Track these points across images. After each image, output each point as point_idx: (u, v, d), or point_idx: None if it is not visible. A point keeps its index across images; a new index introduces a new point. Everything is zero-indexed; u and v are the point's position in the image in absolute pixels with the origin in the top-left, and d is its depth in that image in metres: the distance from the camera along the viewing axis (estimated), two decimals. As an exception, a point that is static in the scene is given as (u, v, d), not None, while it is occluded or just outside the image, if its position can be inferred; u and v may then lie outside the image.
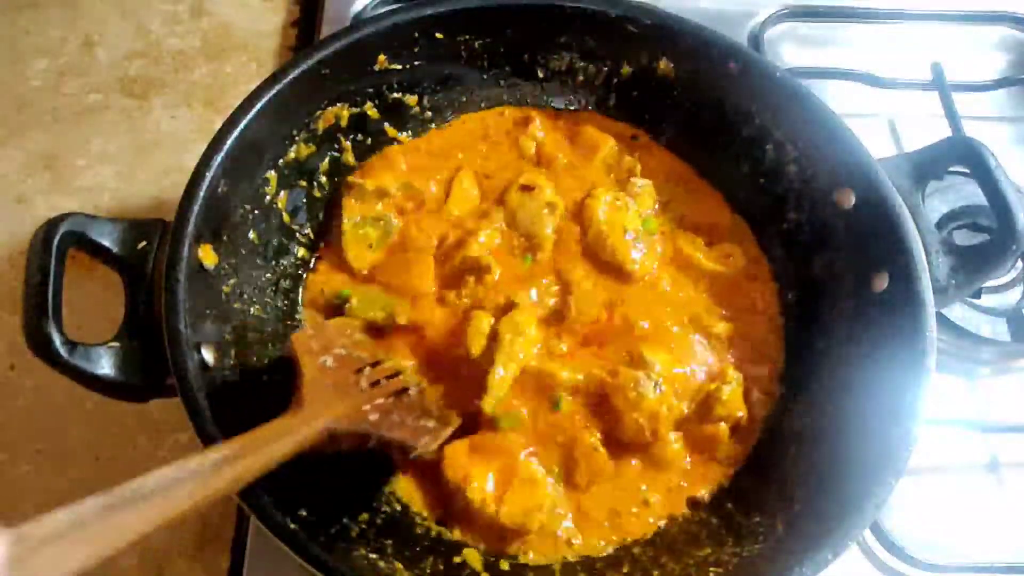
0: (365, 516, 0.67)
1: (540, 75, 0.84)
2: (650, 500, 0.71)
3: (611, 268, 0.77)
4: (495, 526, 0.67)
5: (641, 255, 0.78)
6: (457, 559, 0.67)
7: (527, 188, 0.80)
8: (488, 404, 0.69)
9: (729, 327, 0.76)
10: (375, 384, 0.66)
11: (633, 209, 0.79)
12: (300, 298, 0.77)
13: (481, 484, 0.67)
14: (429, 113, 0.84)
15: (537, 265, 0.78)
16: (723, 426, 0.71)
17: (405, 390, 0.67)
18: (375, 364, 0.68)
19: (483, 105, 0.85)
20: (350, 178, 0.79)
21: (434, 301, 0.76)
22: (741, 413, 0.72)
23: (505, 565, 0.67)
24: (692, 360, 0.74)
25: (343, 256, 0.77)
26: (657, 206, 0.82)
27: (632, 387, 0.70)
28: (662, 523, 0.70)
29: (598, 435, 0.71)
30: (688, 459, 0.72)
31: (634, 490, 0.71)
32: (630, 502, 0.71)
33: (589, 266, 0.78)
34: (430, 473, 0.69)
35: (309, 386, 0.61)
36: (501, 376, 0.70)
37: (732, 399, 0.72)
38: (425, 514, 0.69)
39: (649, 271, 0.78)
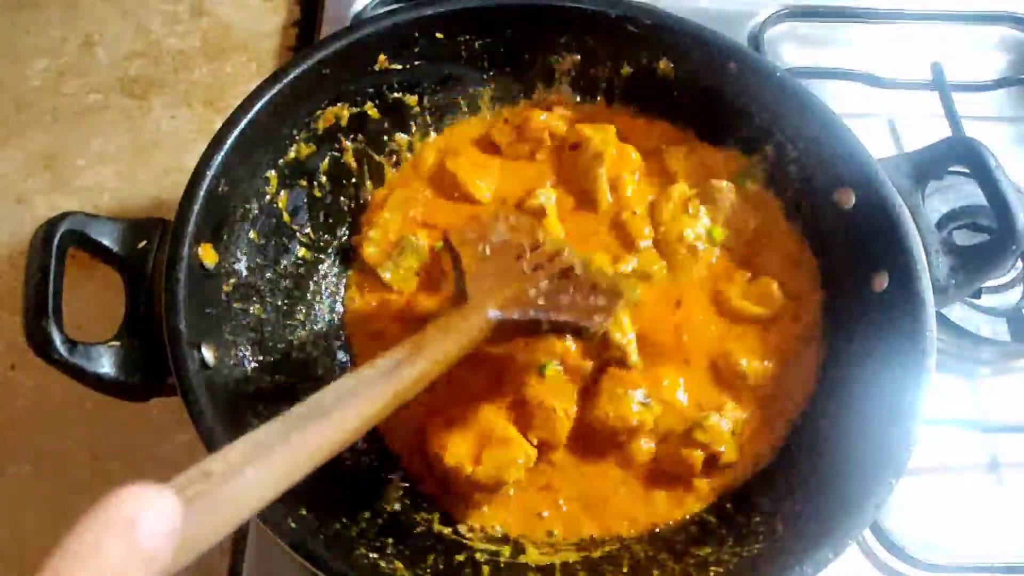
0: (365, 516, 0.67)
1: (541, 75, 0.84)
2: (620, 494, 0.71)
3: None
4: (471, 487, 0.67)
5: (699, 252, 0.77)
6: (459, 557, 0.67)
7: (575, 147, 0.80)
8: (634, 355, 0.71)
9: (760, 370, 0.73)
10: (538, 268, 0.63)
11: (704, 214, 0.78)
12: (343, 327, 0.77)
13: (456, 450, 0.68)
14: (428, 114, 0.84)
15: (599, 220, 0.79)
16: (698, 453, 0.69)
17: (570, 269, 0.65)
18: (535, 249, 0.65)
19: (482, 106, 0.85)
20: (353, 240, 0.80)
21: None
22: (723, 448, 0.69)
23: (507, 551, 0.68)
24: (703, 396, 0.73)
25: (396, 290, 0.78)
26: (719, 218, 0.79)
27: (620, 386, 0.70)
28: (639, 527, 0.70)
29: (572, 407, 0.71)
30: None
31: (606, 481, 0.71)
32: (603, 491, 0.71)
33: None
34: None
35: (471, 278, 0.59)
36: (619, 326, 0.71)
37: (716, 430, 0.69)
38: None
39: (700, 274, 0.77)
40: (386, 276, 0.77)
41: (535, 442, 0.70)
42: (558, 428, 0.70)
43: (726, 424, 0.70)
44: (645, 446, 0.71)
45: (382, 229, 0.79)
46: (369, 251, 0.78)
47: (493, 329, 0.57)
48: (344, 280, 0.79)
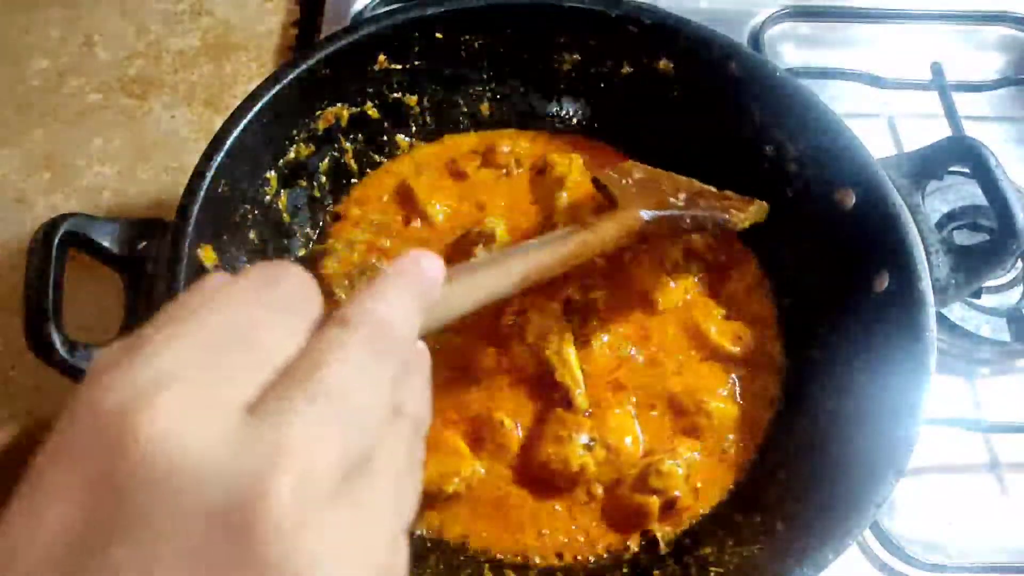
0: (365, 516, 0.67)
1: (540, 75, 0.84)
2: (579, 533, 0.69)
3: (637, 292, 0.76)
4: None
5: (670, 288, 0.77)
6: (461, 557, 0.67)
7: (541, 171, 0.82)
8: (581, 399, 0.70)
9: (724, 410, 0.73)
10: (675, 190, 0.73)
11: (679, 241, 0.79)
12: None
13: None
14: (428, 114, 0.84)
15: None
16: (654, 499, 0.68)
17: (701, 191, 0.74)
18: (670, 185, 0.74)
19: (481, 106, 0.85)
20: (315, 248, 0.78)
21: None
22: (678, 493, 0.68)
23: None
24: (658, 437, 0.71)
25: None
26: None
27: (563, 428, 0.69)
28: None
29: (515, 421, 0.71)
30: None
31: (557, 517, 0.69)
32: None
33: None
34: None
35: (619, 192, 0.70)
36: (567, 368, 0.71)
37: (671, 474, 0.68)
38: None
39: (673, 306, 0.77)
40: (340, 295, 0.75)
41: (484, 463, 0.69)
42: (508, 442, 0.70)
43: (682, 468, 0.68)
44: (599, 491, 0.69)
45: (348, 247, 0.77)
46: (329, 265, 0.76)
47: (643, 226, 0.66)
48: None
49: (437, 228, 0.80)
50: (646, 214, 0.67)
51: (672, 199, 0.70)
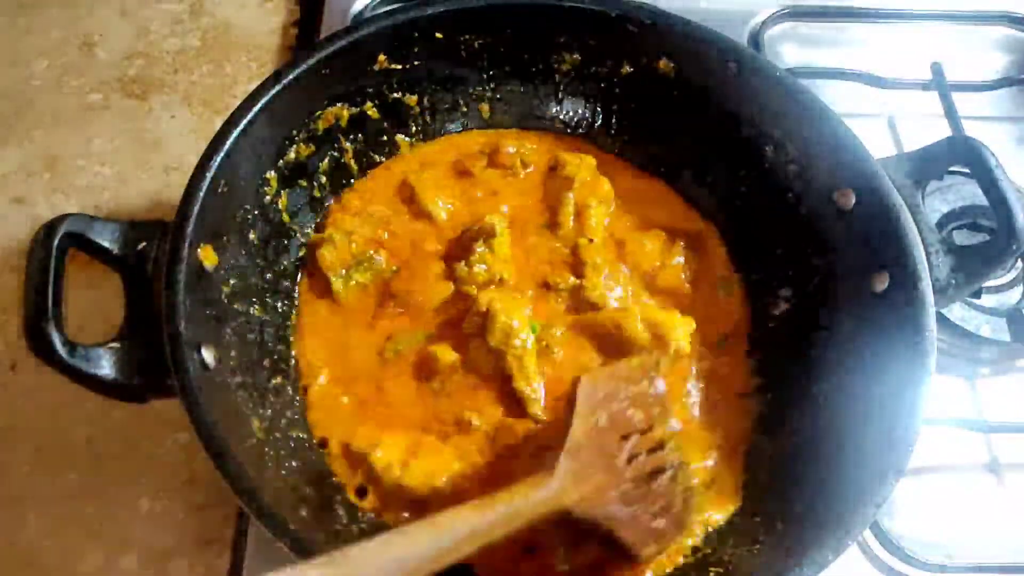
0: (367, 517, 0.67)
1: (540, 75, 0.84)
2: None
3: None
4: (401, 492, 0.67)
5: None
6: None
7: (553, 168, 0.82)
8: (537, 409, 0.71)
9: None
10: (633, 459, 0.64)
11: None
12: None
13: (387, 453, 0.67)
14: (428, 114, 0.84)
15: (557, 240, 0.79)
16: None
17: (660, 471, 0.65)
18: (645, 432, 0.66)
19: (481, 107, 0.85)
20: (313, 237, 0.78)
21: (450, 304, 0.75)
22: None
23: None
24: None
25: (349, 313, 0.76)
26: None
27: (514, 440, 0.69)
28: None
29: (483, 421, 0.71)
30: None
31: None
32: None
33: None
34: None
35: (570, 451, 0.61)
36: (525, 376, 0.71)
37: None
38: (344, 481, 0.68)
39: None
40: (337, 293, 0.75)
41: (463, 462, 0.69)
42: (480, 444, 0.70)
43: None
44: None
45: (346, 238, 0.77)
46: (326, 255, 0.76)
47: (558, 514, 0.59)
48: None
49: (439, 225, 0.80)
50: (569, 505, 0.59)
51: (612, 492, 0.61)
